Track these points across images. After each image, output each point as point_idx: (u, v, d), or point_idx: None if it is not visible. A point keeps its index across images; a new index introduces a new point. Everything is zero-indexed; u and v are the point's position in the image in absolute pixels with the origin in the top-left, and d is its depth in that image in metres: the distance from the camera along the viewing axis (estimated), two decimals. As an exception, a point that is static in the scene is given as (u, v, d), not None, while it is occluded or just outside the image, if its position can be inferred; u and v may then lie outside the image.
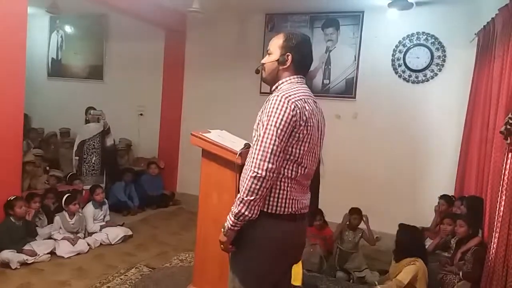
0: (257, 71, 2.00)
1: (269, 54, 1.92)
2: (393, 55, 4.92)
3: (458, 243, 3.43)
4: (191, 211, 5.41)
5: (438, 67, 4.73)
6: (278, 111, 1.66)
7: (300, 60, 1.87)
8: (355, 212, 3.96)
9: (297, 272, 2.83)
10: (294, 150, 1.72)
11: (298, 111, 1.69)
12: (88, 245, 4.06)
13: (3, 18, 3.60)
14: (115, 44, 6.62)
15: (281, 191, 1.75)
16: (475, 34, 4.19)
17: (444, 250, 3.68)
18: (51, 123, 6.63)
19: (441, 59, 4.71)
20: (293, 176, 1.76)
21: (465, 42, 4.40)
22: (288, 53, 1.85)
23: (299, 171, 1.77)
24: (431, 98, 4.78)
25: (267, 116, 1.68)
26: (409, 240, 3.36)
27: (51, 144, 6.29)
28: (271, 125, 1.66)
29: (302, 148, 1.74)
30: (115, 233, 4.33)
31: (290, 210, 1.77)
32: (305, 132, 1.72)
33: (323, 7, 5.16)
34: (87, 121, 5.55)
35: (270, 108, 1.69)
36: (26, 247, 3.66)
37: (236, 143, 2.59)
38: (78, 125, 5.73)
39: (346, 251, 3.87)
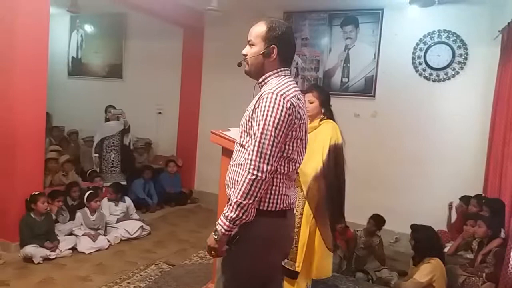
0: (240, 64, 1.90)
1: (251, 45, 1.81)
2: (413, 53, 4.84)
3: (480, 245, 3.38)
4: (209, 209, 5.44)
5: (460, 66, 4.64)
6: (275, 110, 1.62)
7: (285, 51, 1.79)
8: (372, 218, 3.96)
9: (327, 264, 2.85)
10: (287, 147, 1.70)
11: (293, 109, 1.66)
12: (108, 241, 4.13)
13: (27, 18, 3.68)
14: (134, 42, 6.69)
15: (274, 187, 1.72)
16: (498, 31, 4.09)
17: (466, 251, 3.63)
18: (72, 121, 6.72)
19: (463, 57, 4.62)
20: (285, 172, 1.73)
21: (488, 40, 4.32)
22: (273, 45, 1.76)
23: (291, 166, 1.75)
24: (452, 97, 4.68)
25: (263, 115, 1.63)
26: (423, 240, 3.33)
27: (71, 142, 6.39)
28: (268, 125, 1.61)
29: (294, 145, 1.72)
30: (132, 226, 4.42)
31: (281, 206, 1.74)
32: (298, 129, 1.70)
33: (342, 5, 5.12)
34: (107, 120, 5.64)
35: (265, 106, 1.63)
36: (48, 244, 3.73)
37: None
38: (98, 123, 5.79)
39: (362, 256, 3.85)
